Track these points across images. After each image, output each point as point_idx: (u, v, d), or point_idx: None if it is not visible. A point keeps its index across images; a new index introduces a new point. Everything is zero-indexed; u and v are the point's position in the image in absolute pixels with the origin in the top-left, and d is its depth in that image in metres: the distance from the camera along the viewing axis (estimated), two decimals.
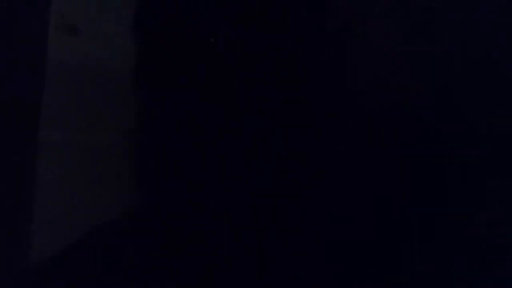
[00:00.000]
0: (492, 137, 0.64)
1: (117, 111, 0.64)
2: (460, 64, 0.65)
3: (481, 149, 0.64)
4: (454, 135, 0.64)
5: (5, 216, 0.64)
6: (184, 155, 0.63)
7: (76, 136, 0.64)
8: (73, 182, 0.64)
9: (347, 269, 0.63)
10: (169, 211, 0.63)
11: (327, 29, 0.64)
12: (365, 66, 0.64)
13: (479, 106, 0.65)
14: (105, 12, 0.64)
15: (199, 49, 0.64)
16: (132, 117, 0.64)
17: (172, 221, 0.63)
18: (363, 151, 0.64)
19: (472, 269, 0.64)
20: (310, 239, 0.63)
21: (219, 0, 0.64)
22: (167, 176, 0.64)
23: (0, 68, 0.65)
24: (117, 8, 0.65)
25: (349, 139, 0.64)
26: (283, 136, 0.63)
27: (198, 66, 0.64)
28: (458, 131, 0.64)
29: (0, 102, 0.64)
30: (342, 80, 0.64)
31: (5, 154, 0.64)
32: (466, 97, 0.65)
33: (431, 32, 0.65)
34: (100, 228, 0.64)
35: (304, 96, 0.64)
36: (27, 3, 0.64)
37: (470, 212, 0.64)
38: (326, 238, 0.63)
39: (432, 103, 0.65)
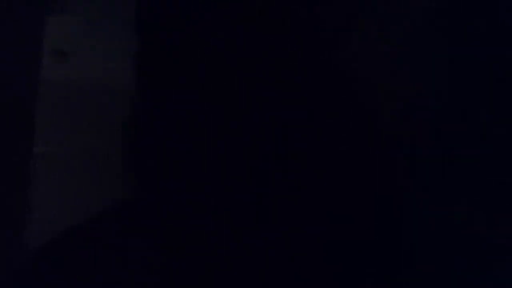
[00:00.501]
0: (492, 137, 0.65)
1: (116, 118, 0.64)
2: (460, 64, 0.65)
3: (481, 149, 0.64)
4: (454, 135, 0.65)
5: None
6: (184, 155, 0.63)
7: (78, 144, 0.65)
8: (74, 184, 0.64)
9: (347, 269, 0.63)
10: (169, 211, 0.63)
11: (327, 29, 0.64)
12: (364, 66, 0.65)
13: (480, 106, 0.65)
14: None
15: (197, 55, 0.64)
16: (131, 117, 0.65)
17: (172, 221, 0.63)
18: (363, 151, 0.64)
19: (472, 269, 0.64)
20: (310, 239, 0.63)
21: (216, 8, 0.64)
22: (167, 176, 0.64)
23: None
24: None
25: (349, 139, 0.64)
26: (283, 136, 0.63)
27: (197, 70, 0.64)
28: (458, 131, 0.64)
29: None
30: (342, 80, 0.64)
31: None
32: (466, 97, 0.65)
33: (431, 32, 0.65)
34: (100, 228, 0.64)
35: (304, 96, 0.64)
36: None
37: (470, 212, 0.64)
38: (326, 238, 0.63)
39: (432, 103, 0.65)
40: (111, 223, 0.64)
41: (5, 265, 0.64)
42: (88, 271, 0.63)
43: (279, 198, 0.63)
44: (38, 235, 0.64)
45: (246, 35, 0.64)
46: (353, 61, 0.64)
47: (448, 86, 0.65)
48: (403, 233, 0.64)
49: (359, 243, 0.63)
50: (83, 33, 0.66)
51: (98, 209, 0.64)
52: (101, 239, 0.64)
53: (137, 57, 0.64)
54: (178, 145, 0.64)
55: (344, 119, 0.64)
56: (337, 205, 0.63)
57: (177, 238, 0.63)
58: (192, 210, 0.63)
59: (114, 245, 0.64)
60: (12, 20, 0.65)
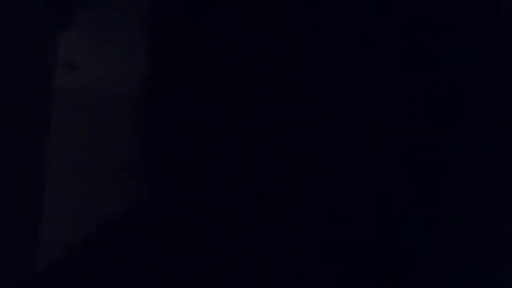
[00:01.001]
0: (492, 137, 0.64)
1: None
2: (460, 64, 0.65)
3: (481, 149, 0.64)
4: (454, 135, 0.64)
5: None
6: (184, 155, 0.64)
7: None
8: (77, 185, 0.65)
9: (347, 269, 0.63)
10: (169, 211, 0.63)
11: (328, 29, 0.64)
12: (365, 66, 0.65)
13: (480, 105, 0.65)
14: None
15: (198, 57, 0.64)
16: (138, 121, 0.65)
17: (172, 221, 0.63)
18: (363, 151, 0.64)
19: (472, 269, 0.64)
20: (310, 239, 0.63)
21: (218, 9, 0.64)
22: (167, 176, 0.64)
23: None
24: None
25: (349, 139, 0.64)
26: (283, 136, 0.64)
27: (198, 75, 0.64)
28: (458, 131, 0.64)
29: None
30: (342, 80, 0.64)
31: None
32: (466, 96, 0.65)
33: (432, 31, 0.65)
34: (101, 228, 0.64)
35: (304, 96, 0.64)
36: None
37: (470, 212, 0.64)
38: (326, 238, 0.63)
39: (433, 103, 0.65)
40: (119, 225, 0.64)
41: (18, 268, 0.65)
42: (88, 271, 0.63)
43: (279, 198, 0.63)
44: (52, 238, 0.65)
45: (246, 34, 0.64)
46: (351, 61, 0.64)
47: (448, 86, 0.65)
48: (403, 233, 0.64)
49: (359, 243, 0.63)
50: (91, 46, 0.68)
51: (108, 212, 0.64)
52: (105, 241, 0.64)
53: (145, 64, 0.65)
54: (185, 147, 0.64)
55: (343, 119, 0.64)
56: (337, 205, 0.63)
57: (177, 237, 0.63)
58: (193, 210, 0.63)
59: (115, 246, 0.64)
60: (28, 35, 0.67)
